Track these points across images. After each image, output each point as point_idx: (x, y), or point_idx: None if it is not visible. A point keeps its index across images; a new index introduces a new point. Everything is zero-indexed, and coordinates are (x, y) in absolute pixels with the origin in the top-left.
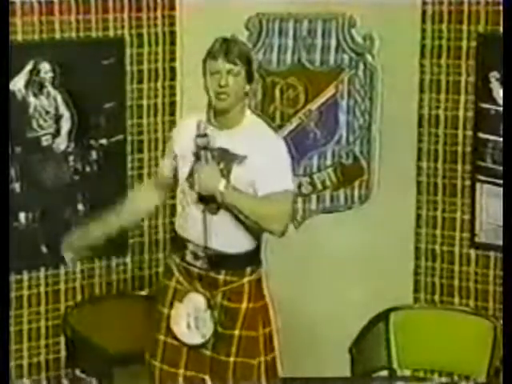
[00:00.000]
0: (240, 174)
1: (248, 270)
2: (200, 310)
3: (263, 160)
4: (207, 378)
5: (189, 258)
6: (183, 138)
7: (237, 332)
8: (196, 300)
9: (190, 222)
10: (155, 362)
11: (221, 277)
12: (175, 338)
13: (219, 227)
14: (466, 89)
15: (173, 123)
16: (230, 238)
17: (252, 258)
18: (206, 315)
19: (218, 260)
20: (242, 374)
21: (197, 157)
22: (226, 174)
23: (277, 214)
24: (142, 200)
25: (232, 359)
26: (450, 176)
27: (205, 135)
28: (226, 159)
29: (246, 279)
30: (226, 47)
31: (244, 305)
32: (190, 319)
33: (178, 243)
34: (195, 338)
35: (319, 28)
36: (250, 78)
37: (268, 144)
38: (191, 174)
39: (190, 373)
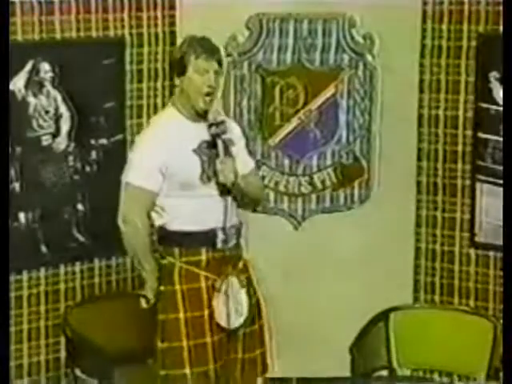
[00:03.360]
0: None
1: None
2: (236, 290)
3: (239, 140)
4: (240, 357)
5: (220, 245)
6: (173, 143)
7: (255, 299)
8: (231, 283)
9: (212, 210)
10: (208, 365)
11: (240, 250)
12: (220, 331)
13: (232, 204)
14: (465, 89)
15: None
16: (236, 211)
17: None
18: (242, 292)
19: (239, 234)
20: (262, 338)
21: (212, 147)
22: (232, 158)
23: (261, 187)
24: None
25: (257, 326)
26: (450, 176)
27: (222, 122)
28: (228, 143)
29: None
30: (207, 45)
31: (251, 270)
32: (230, 304)
33: (204, 238)
34: (237, 320)
35: (319, 28)
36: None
37: (233, 125)
38: (203, 171)
39: (230, 356)
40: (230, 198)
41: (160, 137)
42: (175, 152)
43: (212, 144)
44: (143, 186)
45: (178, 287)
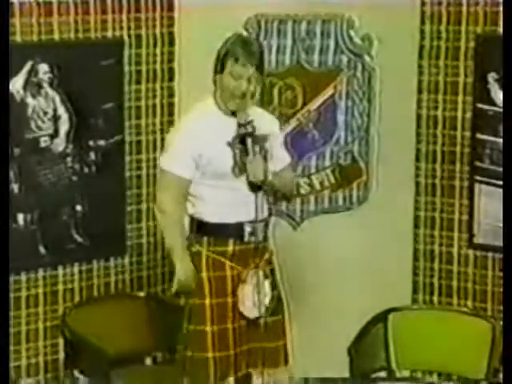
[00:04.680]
0: (267, 150)
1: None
2: (261, 281)
3: (275, 136)
4: (261, 345)
5: (247, 238)
6: (209, 134)
7: (278, 289)
8: (257, 274)
9: (242, 204)
10: (228, 351)
11: (267, 243)
12: (241, 319)
13: (262, 198)
14: (464, 89)
15: (171, 124)
16: (266, 205)
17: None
18: (266, 284)
19: (267, 228)
20: (285, 329)
21: (243, 144)
22: (265, 154)
23: (293, 182)
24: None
25: (281, 316)
26: (449, 177)
27: (250, 122)
28: (259, 141)
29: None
30: (248, 50)
31: (274, 262)
32: (255, 294)
33: (232, 230)
34: (260, 310)
35: (318, 29)
36: (262, 78)
37: (271, 121)
38: (236, 164)
39: (252, 344)
40: (260, 193)
41: (196, 126)
42: (210, 142)
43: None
44: (177, 173)
45: (204, 274)
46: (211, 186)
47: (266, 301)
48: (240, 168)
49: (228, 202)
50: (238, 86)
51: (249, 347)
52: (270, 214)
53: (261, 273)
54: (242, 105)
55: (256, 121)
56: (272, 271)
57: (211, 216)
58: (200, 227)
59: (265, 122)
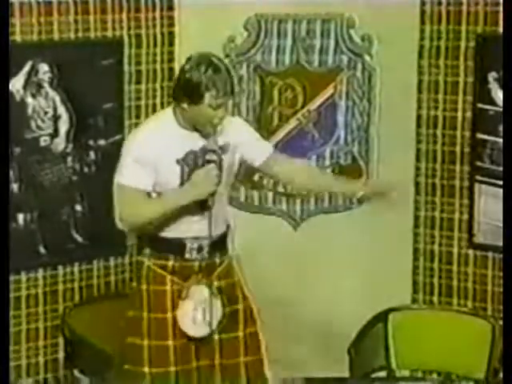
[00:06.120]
0: (230, 159)
1: (229, 246)
2: (207, 298)
3: (245, 139)
4: (217, 363)
5: (188, 255)
6: (163, 150)
7: (241, 306)
8: (200, 291)
9: (188, 221)
10: (168, 367)
11: (217, 259)
12: (185, 336)
13: (216, 214)
14: (464, 89)
15: None
16: (220, 221)
17: (228, 235)
18: (215, 301)
19: (216, 244)
20: (251, 345)
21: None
22: (220, 164)
23: (291, 168)
24: None
25: (241, 333)
26: (449, 176)
27: (215, 151)
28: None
29: (230, 255)
30: (227, 81)
31: (236, 278)
32: (196, 312)
33: (172, 246)
34: (205, 329)
35: (318, 29)
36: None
37: (238, 123)
38: (182, 183)
39: (202, 362)
40: (207, 211)
41: (151, 141)
42: (159, 157)
43: (201, 158)
44: (137, 186)
45: (144, 287)
46: None
47: (216, 318)
48: None
49: (172, 218)
50: (218, 113)
51: (199, 365)
52: (228, 228)
53: (206, 289)
54: (215, 129)
55: (223, 133)
56: (230, 287)
57: (155, 229)
58: (144, 238)
59: (231, 130)
